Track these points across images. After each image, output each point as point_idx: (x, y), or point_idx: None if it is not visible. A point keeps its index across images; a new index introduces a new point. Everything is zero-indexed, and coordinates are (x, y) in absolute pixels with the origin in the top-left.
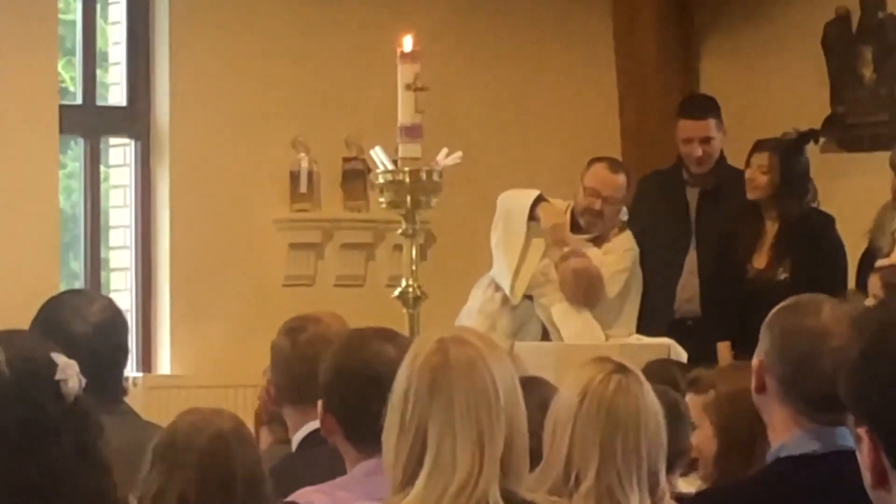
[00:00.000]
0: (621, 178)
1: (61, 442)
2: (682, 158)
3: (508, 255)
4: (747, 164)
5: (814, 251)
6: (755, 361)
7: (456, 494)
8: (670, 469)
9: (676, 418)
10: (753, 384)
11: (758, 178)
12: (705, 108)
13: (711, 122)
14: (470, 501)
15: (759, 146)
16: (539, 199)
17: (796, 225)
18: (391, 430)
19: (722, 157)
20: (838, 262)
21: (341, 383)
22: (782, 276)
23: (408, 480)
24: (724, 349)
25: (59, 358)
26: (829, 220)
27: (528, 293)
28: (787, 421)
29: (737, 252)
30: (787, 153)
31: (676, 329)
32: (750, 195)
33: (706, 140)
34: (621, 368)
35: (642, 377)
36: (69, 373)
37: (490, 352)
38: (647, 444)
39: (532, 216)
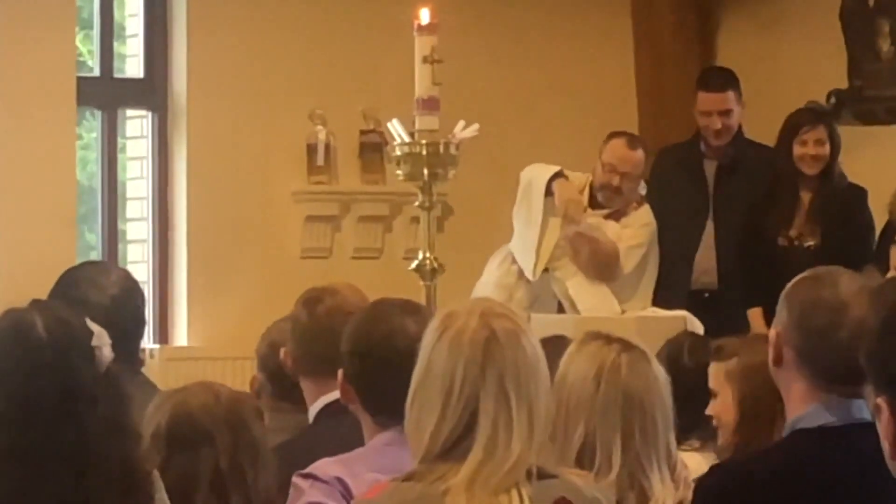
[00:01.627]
0: (639, 154)
1: (97, 408)
2: (700, 131)
3: (529, 231)
4: (792, 138)
5: (845, 223)
6: (772, 333)
7: (513, 466)
8: None
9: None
10: (771, 356)
11: (819, 151)
12: (724, 80)
13: (731, 94)
14: (522, 472)
15: (807, 120)
16: (557, 175)
17: (831, 196)
18: (430, 404)
19: (740, 131)
20: (868, 236)
21: (362, 354)
22: (810, 244)
23: (445, 452)
24: (755, 316)
25: (94, 326)
26: (863, 194)
27: (545, 266)
28: (803, 393)
29: (769, 221)
30: (834, 123)
31: (694, 301)
32: (810, 170)
33: (725, 113)
34: (628, 346)
35: (647, 351)
36: (104, 340)
37: (524, 323)
38: (662, 419)
39: (549, 192)
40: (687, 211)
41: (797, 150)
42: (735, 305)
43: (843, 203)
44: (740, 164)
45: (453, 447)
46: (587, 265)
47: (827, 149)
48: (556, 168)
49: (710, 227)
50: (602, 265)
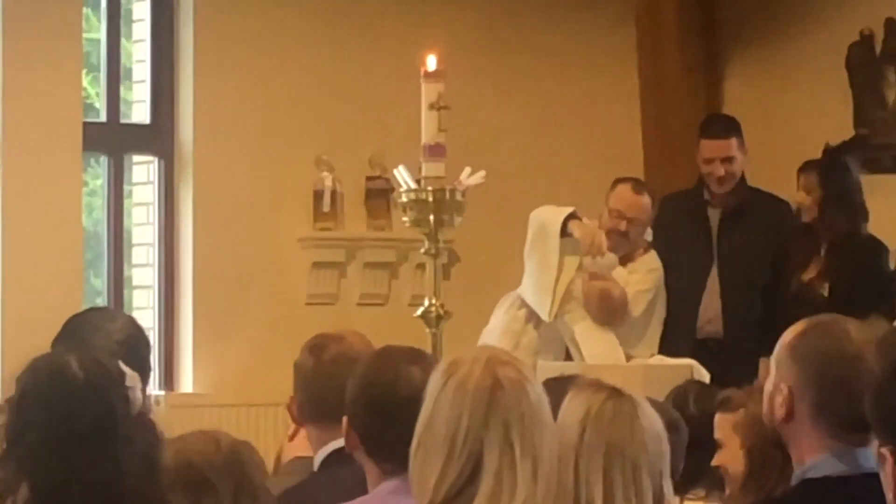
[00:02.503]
0: (646, 199)
1: (133, 447)
2: (703, 179)
3: (544, 273)
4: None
5: (859, 275)
6: (781, 389)
7: None
8: None
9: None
10: (782, 413)
11: (804, 199)
12: (727, 127)
13: (733, 141)
14: None
15: (801, 169)
16: (571, 216)
17: (845, 245)
18: (435, 452)
19: (743, 178)
20: (882, 288)
21: (367, 402)
22: (821, 292)
23: (449, 500)
24: (764, 365)
25: (125, 368)
26: (880, 248)
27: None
28: (813, 444)
29: (784, 272)
30: (827, 169)
31: (699, 349)
32: (804, 217)
33: (728, 160)
34: (616, 393)
35: (638, 398)
36: (136, 382)
37: (528, 371)
38: (649, 466)
39: (564, 233)
40: (691, 259)
41: (796, 198)
42: (741, 354)
43: (856, 254)
44: (745, 212)
45: (457, 495)
46: (597, 309)
47: (813, 196)
48: (570, 209)
49: (714, 274)
50: (611, 310)
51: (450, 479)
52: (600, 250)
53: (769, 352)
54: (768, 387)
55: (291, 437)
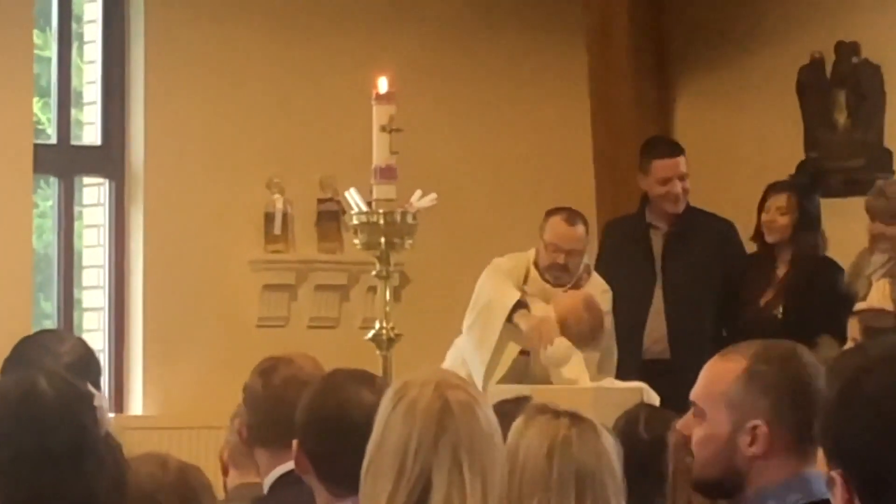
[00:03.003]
0: (580, 229)
1: (104, 468)
2: (644, 202)
3: (479, 353)
4: (761, 208)
5: (814, 298)
6: (754, 427)
7: None
8: None
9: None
10: (757, 450)
11: (777, 219)
12: (675, 146)
13: (683, 158)
14: None
15: (774, 188)
16: (518, 305)
17: (805, 269)
18: (385, 474)
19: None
20: (838, 310)
21: (317, 425)
22: (779, 314)
23: None
24: None
25: (92, 388)
26: (836, 269)
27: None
28: (788, 470)
29: (743, 291)
30: (804, 192)
31: (646, 371)
32: (770, 238)
33: (682, 177)
34: (576, 419)
35: (595, 422)
36: (104, 403)
37: (478, 394)
38: (613, 491)
39: (510, 318)
40: (635, 281)
41: (762, 217)
42: (689, 374)
43: (812, 276)
44: (687, 233)
45: None
46: (577, 329)
47: (787, 218)
48: (517, 294)
49: (658, 295)
50: (593, 330)
51: (399, 500)
52: (549, 342)
53: None
54: (717, 430)
55: (225, 474)
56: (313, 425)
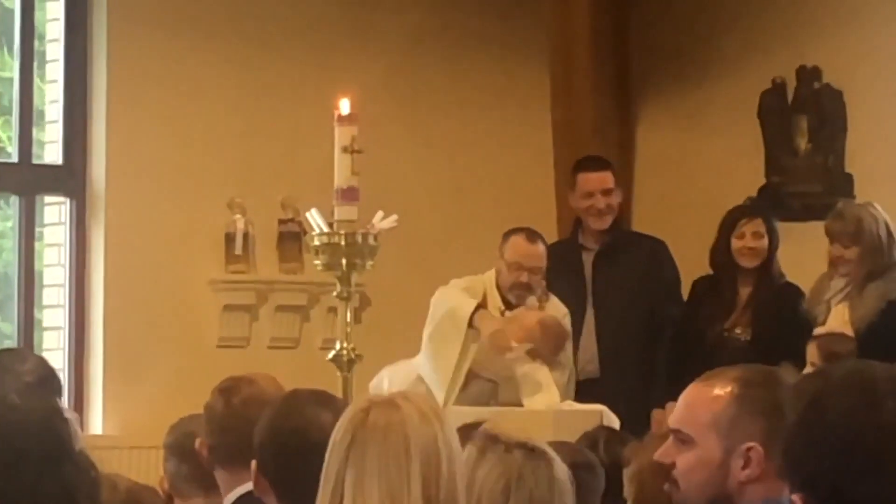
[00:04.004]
0: (540, 247)
1: (82, 476)
2: (577, 225)
3: (444, 363)
4: (730, 234)
5: (779, 318)
6: (749, 449)
7: None
8: None
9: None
10: (750, 474)
11: (758, 244)
12: (602, 162)
13: (609, 174)
14: None
15: (745, 213)
16: (478, 308)
17: (770, 291)
18: (321, 483)
19: (616, 221)
20: (802, 335)
21: (275, 446)
22: (743, 337)
23: None
24: (659, 416)
25: (63, 405)
26: (799, 294)
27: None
28: (773, 491)
29: (703, 314)
30: (772, 216)
31: (581, 391)
32: (748, 263)
33: (607, 192)
34: (529, 452)
35: (546, 449)
36: (74, 418)
37: (418, 416)
38: None
39: (470, 324)
40: (569, 302)
41: (735, 243)
42: (618, 394)
43: (779, 300)
44: (617, 253)
45: None
46: (544, 340)
47: (765, 242)
48: (475, 301)
49: (590, 315)
50: (556, 335)
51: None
52: (508, 348)
53: (659, 399)
54: (708, 455)
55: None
56: (272, 446)
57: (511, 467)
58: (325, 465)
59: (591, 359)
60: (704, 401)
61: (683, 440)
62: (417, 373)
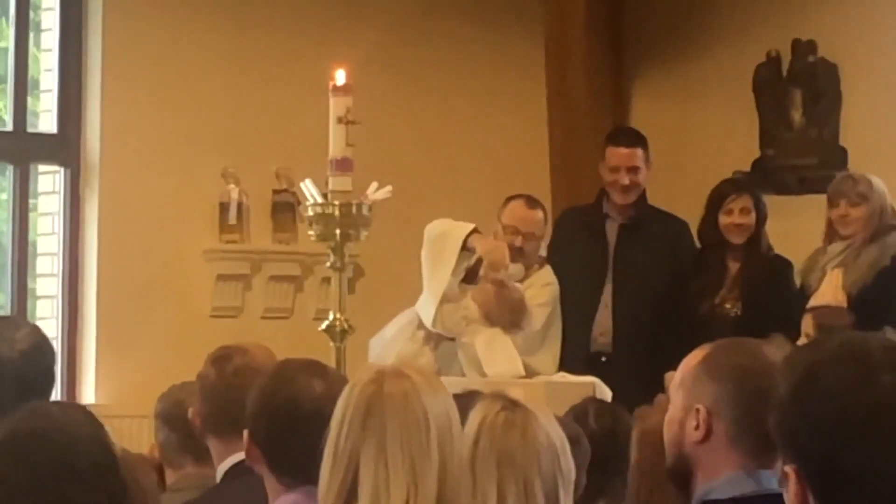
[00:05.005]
0: (539, 214)
1: (128, 492)
2: (603, 193)
3: (436, 279)
4: (716, 209)
5: (769, 293)
6: (697, 411)
7: None
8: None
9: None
10: (695, 437)
11: (745, 220)
12: (634, 137)
13: (639, 151)
14: None
15: (733, 190)
16: (473, 231)
17: (758, 265)
18: (326, 459)
19: (643, 194)
20: (791, 307)
21: (268, 415)
22: (733, 312)
23: None
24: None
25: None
26: (788, 265)
27: (450, 336)
28: (726, 465)
29: (693, 288)
30: (758, 191)
31: (591, 363)
32: (736, 238)
33: (633, 169)
34: (511, 405)
35: (536, 411)
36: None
37: (427, 386)
38: (542, 480)
39: (465, 247)
40: (587, 272)
41: (723, 219)
42: (629, 369)
43: (768, 273)
44: (642, 227)
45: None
46: (499, 313)
47: (752, 217)
48: (471, 224)
49: (608, 288)
50: (513, 312)
51: (335, 485)
52: (504, 265)
53: (663, 370)
54: (674, 413)
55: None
56: (264, 415)
57: (488, 413)
58: (332, 441)
59: (605, 332)
60: (685, 363)
61: (670, 400)
62: (394, 336)
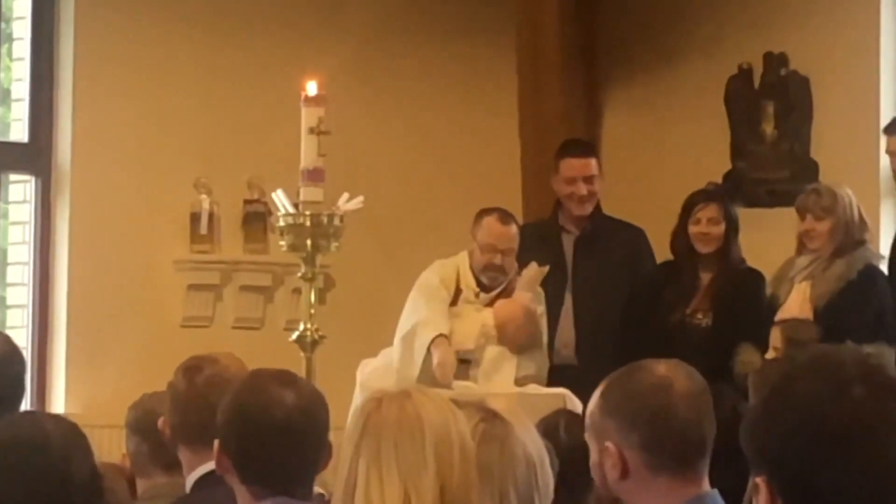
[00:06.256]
0: (513, 228)
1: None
2: (558, 206)
3: (408, 372)
4: (685, 220)
5: (739, 304)
6: (608, 449)
7: None
8: None
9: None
10: (615, 475)
11: (712, 230)
12: (586, 148)
13: (593, 161)
14: None
15: (701, 200)
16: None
17: (729, 276)
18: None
19: (598, 206)
20: (763, 319)
21: (238, 425)
22: (704, 322)
23: None
24: None
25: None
26: (760, 277)
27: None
28: (657, 489)
29: (663, 298)
30: (729, 201)
31: (555, 375)
32: (704, 248)
33: (589, 179)
34: (490, 416)
35: (512, 423)
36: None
37: (431, 405)
38: (517, 493)
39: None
40: (547, 285)
41: (691, 229)
42: (593, 380)
43: (739, 285)
44: (598, 238)
45: None
46: (523, 329)
47: (721, 228)
48: (435, 331)
49: (569, 300)
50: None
51: (339, 494)
52: (445, 384)
53: None
54: (594, 458)
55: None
56: (234, 425)
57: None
58: (338, 456)
59: (568, 343)
60: (587, 412)
61: None
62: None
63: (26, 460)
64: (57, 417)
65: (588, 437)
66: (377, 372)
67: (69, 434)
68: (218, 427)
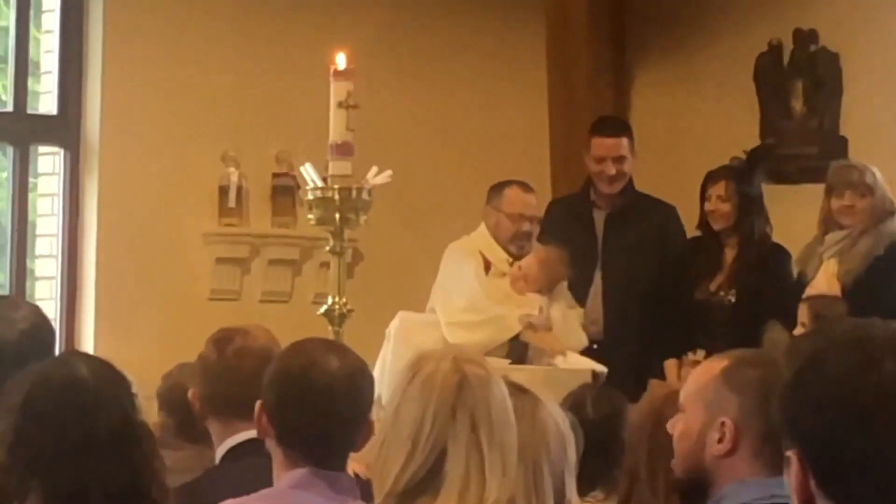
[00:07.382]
0: (535, 197)
1: (146, 457)
2: (590, 182)
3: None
4: (703, 197)
5: (765, 283)
6: (723, 424)
7: None
8: None
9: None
10: (720, 451)
11: (720, 207)
12: (619, 127)
13: (624, 141)
14: None
15: (712, 177)
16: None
17: (754, 253)
18: (399, 445)
19: (630, 182)
20: (788, 296)
21: (281, 386)
22: (729, 299)
23: (406, 493)
24: (671, 367)
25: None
26: (786, 256)
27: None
28: (753, 474)
29: (689, 275)
30: (741, 178)
31: (583, 352)
32: (716, 225)
33: (619, 159)
34: (518, 391)
35: (542, 396)
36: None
37: (493, 370)
38: (550, 465)
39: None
40: (578, 260)
41: (705, 206)
42: (620, 357)
43: (763, 262)
44: (630, 215)
45: (416, 487)
46: (542, 277)
47: (729, 205)
48: (518, 326)
49: (598, 277)
50: (552, 270)
51: (411, 470)
52: (561, 353)
53: (670, 355)
54: (691, 426)
55: None
56: (276, 385)
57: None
58: (410, 431)
59: (596, 320)
60: (700, 373)
61: (680, 410)
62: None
63: (52, 400)
64: (96, 361)
65: (688, 402)
66: (418, 325)
67: (104, 378)
68: (263, 387)
